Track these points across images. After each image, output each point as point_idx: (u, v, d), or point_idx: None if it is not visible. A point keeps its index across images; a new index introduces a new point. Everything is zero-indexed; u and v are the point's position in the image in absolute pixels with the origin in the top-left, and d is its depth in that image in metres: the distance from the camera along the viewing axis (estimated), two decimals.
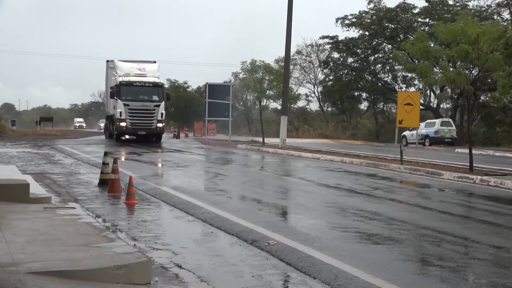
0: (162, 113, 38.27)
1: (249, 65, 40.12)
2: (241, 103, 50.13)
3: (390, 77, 61.74)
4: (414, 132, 42.37)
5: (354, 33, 60.98)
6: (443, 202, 14.28)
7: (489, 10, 52.68)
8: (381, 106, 66.10)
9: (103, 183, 15.39)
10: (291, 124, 60.63)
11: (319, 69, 70.96)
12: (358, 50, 61.31)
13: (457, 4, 54.88)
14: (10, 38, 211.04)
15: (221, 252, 8.59)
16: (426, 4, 56.39)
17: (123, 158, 25.59)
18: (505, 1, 50.91)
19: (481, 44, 19.27)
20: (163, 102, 38.40)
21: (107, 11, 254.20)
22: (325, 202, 13.45)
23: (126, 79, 37.87)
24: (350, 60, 62.71)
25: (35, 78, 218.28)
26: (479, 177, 18.08)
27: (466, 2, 54.70)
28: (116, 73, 39.27)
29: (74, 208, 11.18)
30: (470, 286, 6.97)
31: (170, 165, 22.98)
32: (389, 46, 59.14)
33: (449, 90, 51.26)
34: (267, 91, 41.11)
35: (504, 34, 19.42)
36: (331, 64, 63.78)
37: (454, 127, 44.45)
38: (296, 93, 57.04)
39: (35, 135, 56.64)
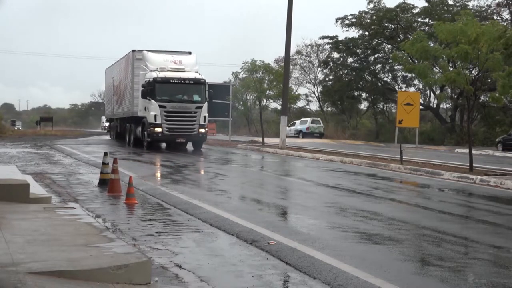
0: (205, 116, 31.39)
1: (249, 65, 40.12)
2: (241, 103, 50.10)
3: (390, 77, 61.77)
4: (293, 127, 55.77)
5: (354, 33, 61.04)
6: (443, 202, 14.29)
7: (489, 10, 52.72)
8: (381, 106, 66.11)
9: (103, 183, 15.39)
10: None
11: (319, 69, 71.05)
12: (358, 50, 61.32)
13: (457, 4, 54.89)
14: (10, 38, 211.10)
15: (221, 252, 8.59)
16: (426, 4, 56.40)
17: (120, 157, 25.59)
18: (505, 1, 50.92)
19: (481, 44, 19.27)
20: (206, 102, 31.61)
21: (107, 11, 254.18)
22: (325, 202, 13.45)
23: (161, 74, 30.97)
24: (350, 60, 62.74)
25: (35, 78, 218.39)
26: (479, 177, 18.08)
27: (466, 2, 54.72)
28: (146, 66, 32.26)
29: (74, 208, 11.17)
30: (470, 286, 6.97)
31: (170, 166, 22.98)
32: (389, 46, 59.15)
33: (449, 90, 51.27)
34: (267, 91, 41.11)
35: (504, 34, 19.42)
36: (331, 64, 63.79)
37: (322, 125, 56.94)
38: (296, 93, 57.07)
39: (35, 135, 56.66)
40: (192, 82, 31.15)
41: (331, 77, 65.15)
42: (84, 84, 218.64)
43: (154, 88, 30.62)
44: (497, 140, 41.39)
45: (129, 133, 35.47)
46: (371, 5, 57.68)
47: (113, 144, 37.94)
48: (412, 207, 13.24)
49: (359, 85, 61.69)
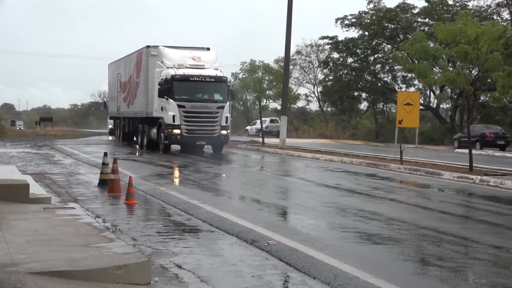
0: (227, 117, 29.15)
1: (248, 65, 40.10)
2: (241, 103, 50.03)
3: (389, 77, 61.75)
4: (254, 126, 60.50)
5: (353, 33, 61.03)
6: (443, 202, 14.29)
7: (488, 10, 52.73)
8: (381, 106, 66.09)
9: (102, 183, 15.39)
10: (290, 124, 60.66)
11: (318, 69, 70.99)
12: (357, 50, 61.31)
13: (457, 4, 54.89)
14: (10, 38, 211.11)
15: (221, 252, 8.59)
16: (426, 4, 56.41)
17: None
18: (505, 1, 50.92)
19: (481, 44, 19.27)
20: (228, 102, 29.52)
21: (107, 11, 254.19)
22: (324, 202, 13.45)
23: (180, 72, 28.52)
24: (349, 60, 62.73)
25: (35, 78, 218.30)
26: (479, 177, 18.09)
27: (465, 2, 54.73)
28: (163, 63, 29.78)
29: (74, 208, 11.18)
30: (470, 286, 6.98)
31: (170, 166, 22.99)
32: (389, 46, 59.15)
33: (449, 90, 51.26)
34: (267, 91, 41.07)
35: (503, 34, 19.42)
36: (331, 64, 63.79)
37: (280, 124, 57.59)
38: (296, 93, 57.06)
39: (35, 135, 56.66)
40: (213, 80, 28.86)
41: (331, 77, 65.14)
42: (84, 84, 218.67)
43: (172, 87, 28.27)
44: (454, 137, 43.53)
45: (142, 135, 32.77)
46: (371, 5, 57.71)
47: (112, 144, 37.92)
48: (412, 207, 13.24)
49: (359, 85, 61.69)
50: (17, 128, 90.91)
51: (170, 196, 13.84)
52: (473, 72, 21.99)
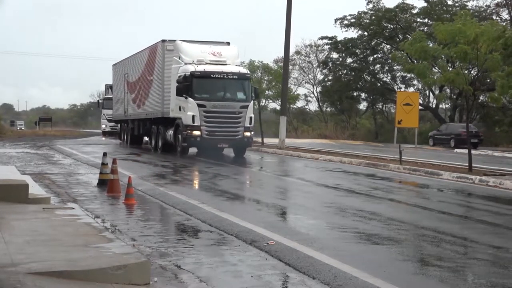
0: (250, 117, 26.87)
1: (247, 65, 40.12)
2: None
3: (389, 77, 61.77)
4: None
5: (353, 33, 60.95)
6: (442, 202, 14.29)
7: (488, 10, 52.72)
8: (380, 106, 66.12)
9: (102, 183, 15.38)
10: (290, 124, 60.64)
11: (318, 69, 71.00)
12: (357, 51, 61.32)
13: (456, 4, 54.91)
14: (9, 38, 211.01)
15: (220, 252, 8.59)
16: (425, 4, 56.42)
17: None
18: (504, 1, 50.94)
19: (480, 44, 19.28)
20: (252, 101, 27.53)
21: (107, 11, 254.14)
22: (324, 202, 13.45)
23: (200, 68, 26.36)
24: (349, 60, 62.73)
25: (34, 79, 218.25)
26: (478, 177, 18.09)
27: (465, 2, 54.74)
28: (181, 59, 27.49)
29: (73, 208, 11.17)
30: (469, 286, 6.98)
31: (170, 166, 22.98)
32: (388, 46, 59.17)
33: (448, 90, 51.28)
34: (266, 91, 41.09)
35: (503, 34, 19.43)
36: (330, 65, 63.80)
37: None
38: (295, 93, 57.05)
39: (34, 136, 56.66)
40: (236, 77, 26.68)
41: (330, 77, 65.16)
42: (83, 84, 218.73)
43: (192, 84, 26.06)
44: (429, 135, 45.66)
45: (156, 137, 30.32)
46: (370, 6, 57.73)
47: (110, 144, 37.91)
48: (411, 207, 13.25)
49: (358, 85, 61.71)
50: (18, 128, 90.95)
51: (169, 196, 13.84)
52: (472, 72, 22.01)
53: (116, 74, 40.82)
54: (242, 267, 7.66)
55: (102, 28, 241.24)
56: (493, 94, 22.37)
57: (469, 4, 55.06)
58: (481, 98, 44.69)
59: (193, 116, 25.96)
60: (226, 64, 27.12)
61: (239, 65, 27.93)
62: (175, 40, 28.66)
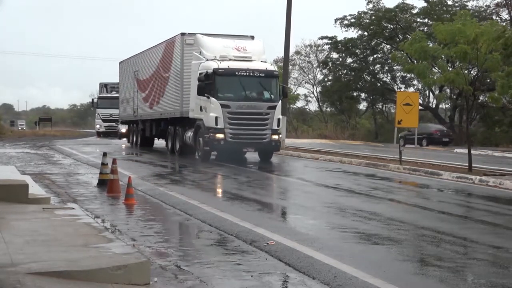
0: (278, 119, 24.66)
1: None
2: None
3: (389, 77, 61.77)
4: None
5: (353, 33, 60.92)
6: (442, 202, 14.29)
7: (488, 10, 52.72)
8: (380, 106, 66.13)
9: (102, 183, 15.38)
10: (290, 125, 60.66)
11: (318, 69, 71.04)
12: (357, 51, 61.31)
13: (456, 4, 54.91)
14: (9, 38, 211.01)
15: (220, 252, 8.59)
16: (425, 4, 56.43)
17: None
18: (504, 1, 50.93)
19: (480, 44, 19.28)
20: (280, 101, 25.20)
21: (107, 11, 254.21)
22: (324, 202, 13.45)
23: (223, 65, 24.18)
24: (349, 60, 62.72)
25: (34, 79, 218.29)
26: (478, 177, 18.09)
27: (465, 2, 54.73)
28: (201, 54, 25.29)
29: (73, 208, 11.18)
30: (469, 286, 6.98)
31: (170, 166, 22.97)
32: (388, 46, 59.16)
33: (448, 90, 51.27)
34: None
35: (503, 34, 19.43)
36: (330, 65, 63.79)
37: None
38: (295, 93, 57.06)
39: (34, 136, 56.68)
40: (263, 74, 24.55)
41: (330, 78, 65.15)
42: (83, 84, 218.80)
43: (214, 82, 23.85)
44: (399, 135, 46.79)
45: (174, 138, 28.03)
46: (370, 6, 57.72)
47: (108, 143, 37.88)
48: (411, 207, 13.25)
49: (358, 85, 61.70)
50: (19, 128, 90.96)
51: (169, 196, 13.84)
52: (472, 72, 22.01)
53: (123, 72, 38.68)
54: (242, 267, 7.66)
55: (102, 28, 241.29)
56: (493, 94, 22.37)
57: (469, 4, 55.07)
58: (481, 98, 44.68)
59: (216, 118, 23.73)
60: (251, 61, 24.86)
61: (265, 62, 25.67)
62: (195, 34, 26.40)
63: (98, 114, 57.36)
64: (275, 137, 24.45)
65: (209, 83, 23.89)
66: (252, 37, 27.47)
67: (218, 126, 23.72)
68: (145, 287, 6.54)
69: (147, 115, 32.56)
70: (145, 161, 25.10)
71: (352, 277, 7.06)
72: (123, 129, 48.48)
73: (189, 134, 25.86)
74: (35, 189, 12.68)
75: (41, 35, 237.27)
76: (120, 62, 39.15)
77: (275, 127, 24.34)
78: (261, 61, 25.13)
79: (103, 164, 15.86)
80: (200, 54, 25.29)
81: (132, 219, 11.16)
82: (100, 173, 15.95)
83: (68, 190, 14.80)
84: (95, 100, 59.08)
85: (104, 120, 56.44)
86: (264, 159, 25.46)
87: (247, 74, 24.18)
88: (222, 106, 23.79)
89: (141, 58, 34.11)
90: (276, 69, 26.02)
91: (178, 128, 27.49)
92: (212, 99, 23.87)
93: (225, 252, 8.57)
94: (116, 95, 56.59)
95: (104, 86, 58.83)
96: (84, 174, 18.85)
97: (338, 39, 61.78)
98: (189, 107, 25.94)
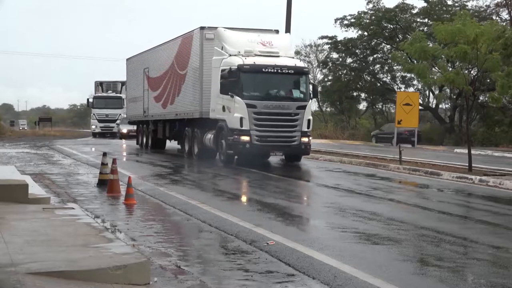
0: (309, 120, 22.52)
1: None
2: None
3: (389, 78, 61.74)
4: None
5: (353, 33, 60.86)
6: (442, 202, 14.29)
7: (487, 10, 52.70)
8: (380, 106, 66.10)
9: (102, 183, 15.38)
10: None
11: (318, 69, 70.99)
12: (357, 51, 61.29)
13: (456, 4, 54.90)
14: (10, 38, 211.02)
15: (220, 252, 8.59)
16: (425, 4, 56.43)
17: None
18: (504, 1, 50.92)
19: (480, 44, 19.27)
20: (310, 101, 23.35)
21: (107, 11, 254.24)
22: (324, 202, 13.45)
23: (248, 60, 22.11)
24: (349, 60, 62.69)
25: (34, 79, 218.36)
26: (478, 177, 18.08)
27: (464, 2, 54.71)
28: (224, 49, 23.15)
29: (73, 208, 11.17)
30: (469, 286, 6.98)
31: (170, 166, 22.96)
32: (388, 46, 59.14)
33: (448, 90, 51.26)
34: None
35: (503, 34, 19.44)
36: (330, 64, 63.75)
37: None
38: None
39: (34, 136, 56.68)
40: (292, 71, 22.52)
41: (330, 77, 65.14)
42: (83, 84, 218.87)
43: (239, 80, 21.83)
44: (372, 134, 49.63)
45: (191, 141, 25.94)
46: (370, 6, 57.67)
47: (108, 143, 37.85)
48: (411, 207, 13.25)
49: (358, 85, 61.67)
50: (20, 128, 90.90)
51: (169, 196, 13.83)
52: (472, 72, 21.99)
53: (131, 69, 36.17)
54: (242, 267, 7.66)
55: (103, 28, 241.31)
56: (493, 94, 22.35)
57: (469, 4, 55.03)
58: (481, 98, 44.65)
59: (241, 119, 21.66)
60: (278, 56, 22.81)
61: (293, 57, 23.97)
62: (216, 27, 24.29)
63: (93, 114, 55.78)
64: (305, 139, 22.41)
65: (233, 81, 21.94)
66: (277, 31, 25.79)
67: (243, 128, 21.70)
68: (145, 287, 6.54)
69: (160, 115, 30.37)
70: (145, 161, 25.03)
71: (352, 277, 7.06)
72: (124, 129, 48.05)
73: (209, 136, 23.91)
74: (35, 189, 12.68)
75: (41, 35, 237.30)
76: (128, 59, 37.01)
77: (305, 128, 22.31)
78: (289, 57, 23.33)
79: (103, 164, 15.86)
80: (222, 49, 23.19)
81: (132, 219, 11.16)
82: (100, 173, 15.95)
83: (68, 190, 14.80)
84: (91, 100, 57.07)
85: (100, 121, 54.79)
86: (292, 163, 23.58)
87: (275, 70, 22.15)
88: (248, 105, 21.75)
89: (152, 54, 31.94)
90: (307, 66, 24.01)
91: (197, 130, 25.27)
92: (237, 98, 21.86)
93: (225, 252, 8.56)
94: (113, 94, 55.63)
95: (99, 84, 56.89)
96: (84, 174, 18.85)
97: (338, 39, 61.76)
98: (209, 107, 23.91)
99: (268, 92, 22.39)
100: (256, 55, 22.46)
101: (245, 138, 21.68)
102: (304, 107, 22.30)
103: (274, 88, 22.53)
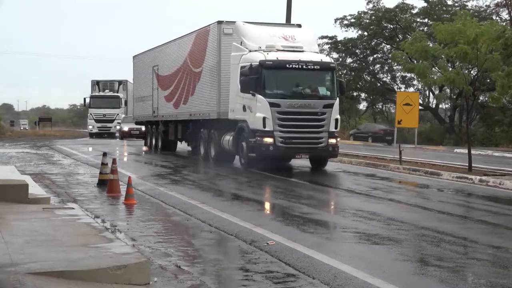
0: (336, 120, 20.96)
1: None
2: None
3: (389, 78, 61.78)
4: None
5: (353, 33, 60.91)
6: (442, 202, 14.29)
7: (487, 10, 52.72)
8: (380, 107, 66.15)
9: (101, 183, 15.37)
10: None
11: None
12: (357, 51, 61.31)
13: (456, 4, 54.92)
14: (9, 39, 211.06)
15: (220, 252, 8.59)
16: (425, 4, 56.45)
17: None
18: (504, 1, 50.93)
19: (480, 44, 19.28)
20: (338, 99, 21.44)
21: (107, 11, 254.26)
22: (324, 202, 13.45)
23: (271, 56, 20.55)
24: (349, 60, 62.69)
25: (34, 79, 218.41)
26: (478, 177, 18.08)
27: (464, 2, 54.74)
28: (243, 44, 21.63)
29: (73, 208, 11.17)
30: (469, 286, 6.98)
31: (170, 166, 22.96)
32: (388, 46, 59.16)
33: (448, 90, 51.28)
34: None
35: (503, 34, 19.43)
36: None
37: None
38: None
39: (34, 136, 56.67)
40: (318, 67, 20.83)
41: None
42: (83, 84, 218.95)
43: (261, 77, 20.25)
44: (350, 133, 53.57)
45: (207, 143, 24.11)
46: (370, 5, 57.71)
47: (106, 144, 37.83)
48: (411, 207, 13.25)
49: (358, 85, 61.68)
50: (22, 128, 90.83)
51: (169, 196, 13.83)
52: (472, 72, 21.99)
53: (138, 67, 34.39)
54: (242, 267, 7.66)
55: (103, 28, 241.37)
56: (493, 94, 22.35)
57: (469, 4, 55.07)
58: (481, 98, 44.68)
59: (264, 119, 20.05)
60: (302, 51, 21.22)
61: (318, 52, 22.37)
62: (234, 22, 22.71)
63: (90, 114, 54.68)
64: (333, 141, 20.75)
65: (255, 78, 20.30)
66: (299, 25, 23.99)
67: (266, 129, 20.07)
68: (145, 287, 6.54)
69: (171, 115, 28.66)
70: (144, 160, 24.99)
71: (352, 277, 7.06)
72: (126, 127, 47.30)
73: (228, 138, 22.25)
74: (35, 189, 12.68)
75: (41, 35, 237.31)
76: (134, 56, 35.17)
77: (332, 129, 20.69)
78: (313, 52, 21.75)
79: (103, 164, 15.86)
80: (241, 45, 21.63)
81: (132, 219, 11.16)
82: (100, 173, 15.95)
83: (68, 190, 14.80)
84: (88, 100, 55.57)
85: (97, 121, 53.81)
86: (317, 166, 21.66)
87: (300, 66, 20.51)
88: (271, 104, 20.10)
89: (163, 51, 30.13)
90: (333, 62, 22.86)
91: (214, 131, 23.53)
92: (259, 96, 20.22)
93: (225, 252, 8.56)
94: (110, 93, 55.49)
95: (96, 83, 55.97)
96: (84, 174, 18.85)
97: (338, 39, 61.78)
98: (227, 106, 22.32)
99: (292, 89, 20.78)
100: (278, 50, 20.99)
101: (269, 139, 20.12)
102: (331, 106, 20.67)
103: (299, 85, 20.90)
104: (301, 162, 22.63)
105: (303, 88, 20.85)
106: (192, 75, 25.86)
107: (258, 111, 20.17)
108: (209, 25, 24.17)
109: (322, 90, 21.00)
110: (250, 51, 21.03)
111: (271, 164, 20.67)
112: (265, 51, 20.65)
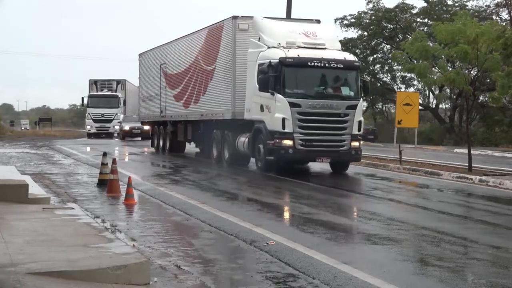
0: (359, 122, 19.75)
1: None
2: None
3: (389, 78, 61.79)
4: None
5: (353, 33, 60.92)
6: (442, 202, 14.29)
7: (488, 10, 52.72)
8: (380, 106, 66.14)
9: (101, 183, 15.37)
10: None
11: None
12: (357, 50, 61.26)
13: (456, 4, 54.92)
14: (9, 39, 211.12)
15: (220, 252, 8.59)
16: (425, 4, 56.46)
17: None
18: (504, 1, 50.94)
19: (480, 44, 19.28)
20: (361, 99, 20.48)
21: (107, 11, 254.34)
22: (323, 202, 13.45)
23: (291, 53, 19.37)
24: None
25: (34, 79, 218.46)
26: (478, 177, 18.08)
27: (465, 2, 54.75)
28: (261, 40, 20.48)
29: (73, 208, 11.17)
30: (469, 286, 6.98)
31: (168, 166, 22.95)
32: (388, 46, 59.18)
33: (448, 90, 51.28)
34: None
35: (503, 34, 19.43)
36: None
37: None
38: None
39: (34, 136, 56.67)
40: (342, 65, 19.65)
41: None
42: (83, 84, 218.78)
43: (281, 75, 19.03)
44: None
45: (221, 145, 22.86)
46: (370, 6, 57.73)
47: (107, 143, 37.82)
48: (411, 207, 13.25)
49: None
50: (22, 128, 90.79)
51: (169, 196, 13.83)
52: (472, 72, 22.00)
53: (145, 65, 33.14)
54: (242, 267, 7.66)
55: (103, 28, 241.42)
56: (493, 94, 22.35)
57: (469, 4, 55.08)
58: (481, 98, 44.69)
59: (283, 120, 18.86)
60: (324, 48, 20.03)
61: (340, 50, 21.07)
62: (251, 17, 21.46)
63: (88, 114, 53.89)
64: (356, 144, 19.53)
65: (274, 76, 19.07)
66: (318, 21, 22.79)
67: (286, 130, 18.90)
68: (145, 287, 6.54)
69: (180, 115, 27.45)
70: (143, 160, 24.97)
71: (352, 277, 7.06)
72: (127, 126, 46.28)
73: (243, 139, 21.04)
74: (35, 189, 12.68)
75: (41, 35, 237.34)
76: (140, 54, 33.93)
77: (355, 131, 19.48)
78: (336, 49, 20.54)
79: (103, 164, 15.86)
80: (259, 41, 20.50)
81: (132, 219, 11.16)
82: (100, 173, 15.95)
83: (68, 190, 14.80)
84: (85, 99, 54.63)
85: (95, 121, 53.06)
86: (338, 171, 20.37)
87: (322, 65, 19.32)
88: (291, 104, 18.88)
89: (171, 48, 29.00)
90: (357, 60, 21.91)
91: (227, 132, 22.31)
92: (278, 96, 19.00)
93: (225, 252, 8.56)
94: (109, 93, 55.06)
95: (93, 83, 55.40)
96: (84, 174, 18.85)
97: (338, 39, 61.79)
98: (243, 106, 21.11)
99: (314, 89, 19.50)
100: (299, 47, 19.78)
101: (288, 142, 18.93)
102: (354, 107, 19.53)
103: (321, 84, 19.66)
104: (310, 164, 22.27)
105: (325, 88, 19.69)
106: (204, 73, 24.70)
107: (277, 111, 19.04)
108: (223, 20, 23.00)
109: (345, 90, 19.83)
110: (269, 47, 19.89)
111: (286, 166, 19.92)
112: (285, 48, 19.56)
